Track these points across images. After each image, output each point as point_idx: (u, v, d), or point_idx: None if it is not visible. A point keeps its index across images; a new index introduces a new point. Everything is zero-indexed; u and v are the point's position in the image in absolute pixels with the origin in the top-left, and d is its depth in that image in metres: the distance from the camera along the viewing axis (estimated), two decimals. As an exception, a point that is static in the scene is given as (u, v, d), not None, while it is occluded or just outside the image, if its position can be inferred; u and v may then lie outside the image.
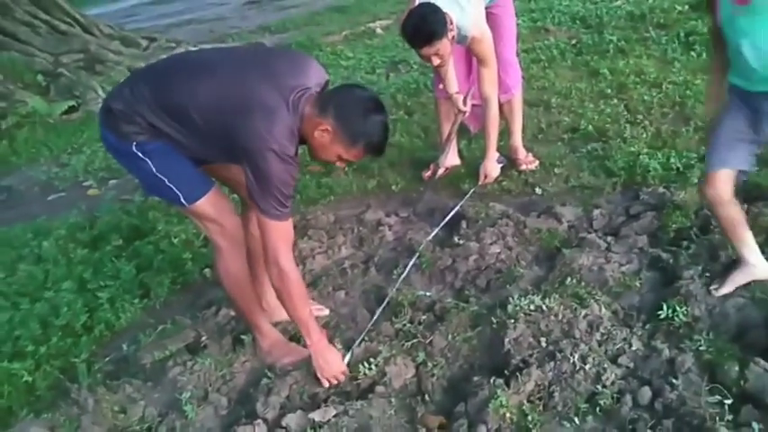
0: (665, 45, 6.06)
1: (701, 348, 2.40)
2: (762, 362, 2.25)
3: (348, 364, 2.66)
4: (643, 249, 3.12)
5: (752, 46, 2.36)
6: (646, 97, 4.94)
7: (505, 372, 2.48)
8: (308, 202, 4.35)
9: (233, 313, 3.16)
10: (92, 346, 3.25)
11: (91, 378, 2.94)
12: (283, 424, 2.40)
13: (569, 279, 2.91)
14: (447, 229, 3.65)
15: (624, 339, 2.51)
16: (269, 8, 14.82)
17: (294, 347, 2.87)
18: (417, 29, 3.48)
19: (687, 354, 2.38)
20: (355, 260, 3.55)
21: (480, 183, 4.05)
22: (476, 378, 2.48)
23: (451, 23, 3.51)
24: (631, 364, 2.41)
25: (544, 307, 2.71)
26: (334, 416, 2.40)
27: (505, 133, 4.38)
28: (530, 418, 2.24)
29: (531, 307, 2.72)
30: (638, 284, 2.88)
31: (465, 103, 4.05)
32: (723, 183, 2.59)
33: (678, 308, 2.59)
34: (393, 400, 2.49)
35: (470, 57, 4.18)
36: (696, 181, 3.55)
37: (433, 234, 3.57)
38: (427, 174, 4.36)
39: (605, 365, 2.38)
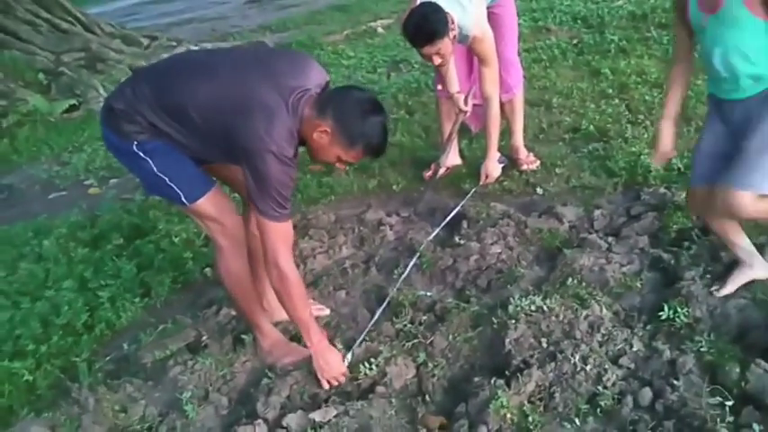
0: (666, 45, 6.05)
1: (702, 349, 2.39)
2: (763, 363, 2.25)
3: (349, 365, 2.65)
4: (644, 250, 3.11)
5: (721, 55, 2.36)
6: (647, 97, 4.94)
7: (506, 372, 2.48)
8: (308, 201, 4.35)
9: (234, 313, 3.16)
10: (92, 346, 3.25)
11: (91, 377, 2.94)
12: (284, 424, 2.40)
13: (570, 279, 2.91)
14: (448, 228, 3.65)
15: (625, 340, 2.51)
16: (270, 7, 14.81)
17: (295, 347, 2.87)
18: (419, 28, 3.48)
19: (688, 355, 2.37)
20: (356, 260, 3.55)
21: (481, 183, 4.05)
22: (476, 378, 2.48)
23: (453, 23, 3.51)
24: (632, 365, 2.41)
25: (545, 307, 2.71)
26: (335, 416, 2.40)
27: (507, 133, 4.38)
28: (530, 418, 2.24)
29: (532, 307, 2.72)
30: (639, 285, 2.87)
31: (466, 102, 4.04)
32: (705, 197, 2.58)
33: (679, 309, 2.59)
34: (394, 400, 2.49)
35: (471, 56, 4.17)
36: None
37: (433, 234, 3.57)
38: (428, 173, 4.35)
39: (606, 366, 2.38)
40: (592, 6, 8.09)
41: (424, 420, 2.39)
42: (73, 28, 10.15)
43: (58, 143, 7.08)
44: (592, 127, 4.59)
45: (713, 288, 2.67)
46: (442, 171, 4.32)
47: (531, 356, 2.51)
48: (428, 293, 3.11)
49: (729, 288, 2.65)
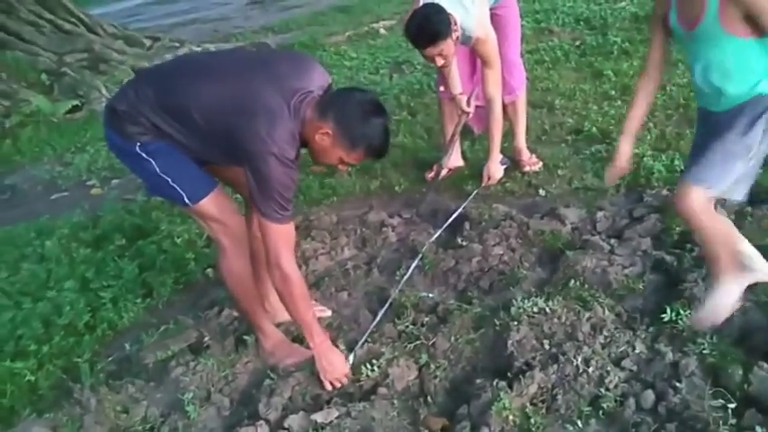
0: (669, 46, 6.03)
1: (704, 352, 2.39)
2: (766, 365, 2.24)
3: (351, 366, 2.65)
4: (647, 252, 3.11)
5: (701, 71, 2.35)
6: (650, 99, 4.92)
7: (508, 374, 2.48)
8: (311, 202, 4.35)
9: (236, 314, 3.16)
10: (94, 346, 3.26)
11: (93, 378, 2.94)
12: (286, 425, 2.40)
13: (572, 281, 2.91)
14: (450, 230, 3.65)
15: (627, 342, 2.50)
16: (272, 8, 14.84)
17: (297, 348, 2.87)
18: (421, 29, 3.48)
19: (691, 357, 2.37)
20: (358, 261, 3.54)
21: (484, 184, 4.05)
22: (478, 380, 2.48)
23: (455, 24, 3.51)
24: (635, 368, 2.40)
25: (547, 309, 2.70)
26: (337, 417, 2.40)
27: (509, 134, 4.37)
28: (532, 420, 2.23)
29: (535, 309, 2.72)
30: (641, 287, 2.87)
31: (468, 103, 4.04)
32: None
33: (682, 311, 2.58)
34: (396, 401, 2.49)
35: (474, 58, 4.17)
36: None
37: (435, 236, 3.57)
38: (430, 175, 4.35)
39: (608, 368, 2.37)
40: (594, 8, 8.09)
41: (426, 422, 2.39)
42: (76, 29, 10.17)
43: (61, 144, 7.10)
44: (594, 129, 4.59)
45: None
46: (444, 172, 4.31)
47: (534, 358, 2.51)
48: (430, 295, 3.11)
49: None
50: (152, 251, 3.88)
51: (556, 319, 2.65)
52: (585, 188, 3.88)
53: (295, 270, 2.52)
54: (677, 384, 2.25)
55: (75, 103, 8.25)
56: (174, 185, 2.51)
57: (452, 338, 2.74)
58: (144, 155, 2.46)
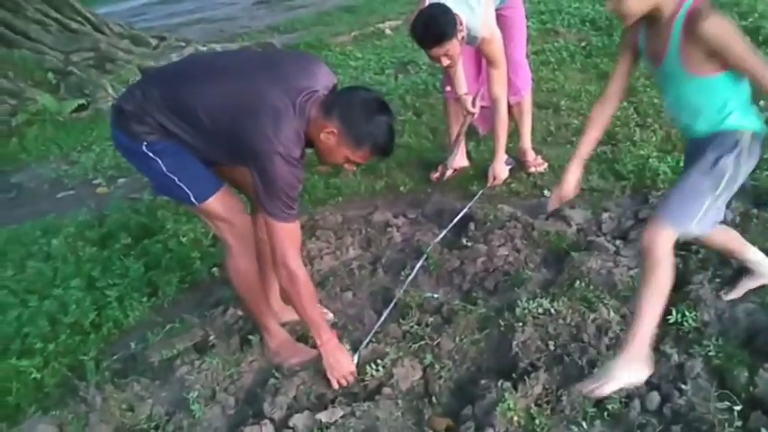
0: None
1: (710, 353, 2.38)
2: (771, 368, 2.24)
3: (355, 366, 2.66)
4: (652, 253, 3.10)
5: (669, 103, 2.33)
6: (655, 100, 4.91)
7: (513, 375, 2.48)
8: (316, 202, 4.36)
9: (241, 313, 3.17)
10: (100, 344, 3.27)
11: (99, 376, 2.95)
12: (290, 424, 2.40)
13: (578, 282, 2.90)
14: (455, 230, 3.64)
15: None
16: (278, 8, 14.85)
17: (302, 348, 2.88)
18: (427, 29, 3.48)
19: (696, 359, 2.36)
20: (363, 261, 3.55)
21: (489, 184, 4.05)
22: (483, 381, 2.48)
23: (461, 24, 3.51)
24: (639, 369, 2.39)
25: (552, 310, 2.70)
26: (342, 417, 2.41)
27: (515, 135, 4.37)
28: (537, 421, 2.23)
29: (540, 310, 2.72)
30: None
31: (474, 104, 4.04)
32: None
33: (687, 312, 2.58)
34: (400, 401, 2.49)
35: (480, 58, 4.17)
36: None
37: (441, 236, 3.57)
38: (435, 175, 4.35)
39: (613, 370, 2.37)
40: (600, 9, 8.06)
41: (431, 422, 2.39)
42: (82, 28, 10.20)
43: (67, 142, 7.12)
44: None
45: (721, 292, 2.66)
46: (449, 173, 4.31)
47: (539, 359, 2.51)
48: (435, 295, 3.11)
49: (738, 292, 2.63)
50: (158, 250, 3.90)
51: (561, 320, 2.65)
52: (591, 189, 3.87)
53: (301, 269, 2.53)
54: (682, 386, 2.25)
55: (82, 101, 8.27)
56: (181, 185, 2.52)
57: (457, 339, 2.74)
58: (151, 154, 2.47)
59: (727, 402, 2.15)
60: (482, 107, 4.18)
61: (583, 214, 3.59)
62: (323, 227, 3.90)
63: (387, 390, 2.53)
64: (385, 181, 4.50)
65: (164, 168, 2.49)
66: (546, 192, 3.94)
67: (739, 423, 2.08)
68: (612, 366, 2.25)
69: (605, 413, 2.23)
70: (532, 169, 4.22)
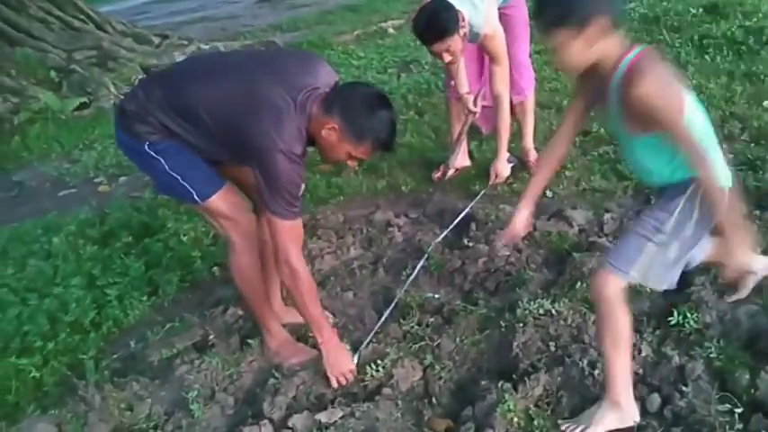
0: (678, 48, 6.02)
1: (711, 355, 2.37)
2: (773, 370, 2.22)
3: (355, 366, 2.65)
4: (654, 254, 3.09)
5: (621, 151, 2.28)
6: (658, 100, 4.90)
7: (513, 376, 2.47)
8: (317, 201, 4.35)
9: (241, 312, 3.16)
10: (100, 343, 3.26)
11: (98, 375, 2.94)
12: (290, 424, 2.40)
13: (579, 283, 2.89)
14: (456, 231, 3.63)
15: (634, 345, 2.47)
16: (281, 6, 14.85)
17: (302, 348, 2.87)
18: (429, 24, 3.48)
19: (697, 361, 2.35)
20: (364, 261, 3.54)
21: (491, 182, 4.04)
22: (483, 382, 2.47)
23: (463, 20, 3.50)
24: (641, 371, 2.38)
25: (553, 311, 2.69)
26: (341, 417, 2.40)
27: (517, 135, 4.36)
28: (536, 423, 2.22)
29: (541, 311, 2.71)
30: (648, 290, 2.85)
31: (475, 103, 4.03)
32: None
33: (689, 314, 2.57)
34: (400, 402, 2.48)
35: (482, 57, 4.16)
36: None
37: (442, 236, 3.56)
38: (437, 175, 4.34)
39: (614, 371, 2.35)
40: (603, 8, 8.05)
41: (431, 423, 2.39)
42: (85, 26, 10.20)
43: (69, 141, 7.11)
44: (602, 130, 4.56)
45: (726, 295, 2.64)
46: (450, 172, 4.30)
47: (539, 360, 2.50)
48: (436, 295, 3.10)
49: (741, 294, 2.62)
50: (158, 249, 3.89)
51: (562, 321, 2.64)
52: (593, 190, 3.86)
53: (303, 266, 2.54)
54: (683, 388, 2.24)
55: (84, 100, 8.27)
56: (184, 183, 2.52)
57: (457, 339, 2.74)
58: (153, 154, 2.48)
59: (728, 405, 2.14)
60: (484, 107, 4.17)
61: (584, 215, 3.58)
62: (324, 226, 3.90)
63: (387, 390, 2.53)
64: (386, 180, 4.49)
65: (166, 167, 2.49)
66: (547, 192, 3.93)
67: (740, 426, 2.07)
68: (596, 412, 2.19)
69: (606, 415, 2.22)
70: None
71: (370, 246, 3.71)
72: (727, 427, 2.06)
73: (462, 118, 4.23)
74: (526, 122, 4.34)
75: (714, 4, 6.87)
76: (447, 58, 3.58)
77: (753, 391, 2.19)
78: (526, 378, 2.38)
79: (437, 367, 2.61)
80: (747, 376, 2.23)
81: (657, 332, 2.58)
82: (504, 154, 4.05)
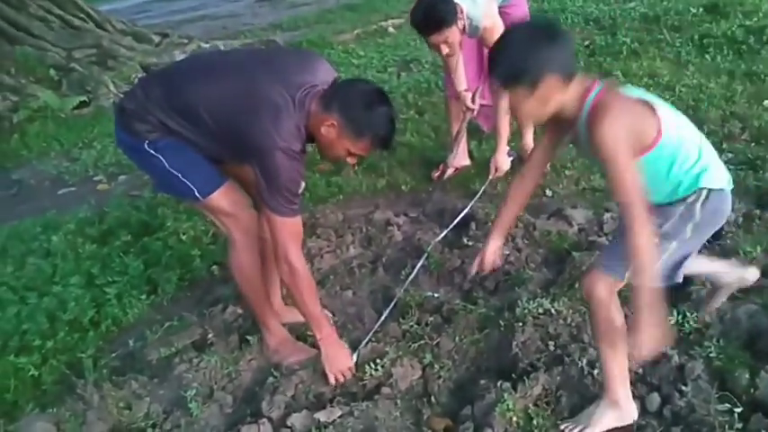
0: (678, 47, 6.02)
1: (711, 355, 2.37)
2: (773, 370, 2.22)
3: (354, 365, 2.65)
4: (654, 254, 3.08)
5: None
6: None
7: (513, 375, 2.46)
8: (317, 200, 4.34)
9: (240, 311, 3.16)
10: (98, 342, 3.26)
11: (97, 373, 2.93)
12: (288, 423, 2.40)
13: (579, 283, 2.88)
14: (456, 230, 3.63)
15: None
16: (281, 5, 14.84)
17: (301, 347, 2.87)
18: (427, 15, 3.48)
19: (697, 360, 2.35)
20: (363, 260, 3.54)
21: (491, 176, 4.01)
22: (483, 381, 2.47)
23: (461, 12, 3.50)
24: (640, 370, 2.37)
25: (553, 310, 2.69)
26: (340, 416, 2.40)
27: (517, 135, 4.35)
28: (536, 422, 2.22)
29: (540, 310, 2.71)
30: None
31: (473, 100, 4.02)
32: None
33: (688, 313, 2.57)
34: (399, 401, 2.48)
35: (482, 56, 4.15)
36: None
37: (442, 235, 3.55)
38: (436, 174, 4.34)
39: (614, 371, 2.35)
40: (604, 8, 8.06)
41: (430, 422, 2.38)
42: (85, 24, 10.19)
43: (68, 139, 7.11)
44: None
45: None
46: (450, 171, 4.30)
47: (538, 359, 2.50)
48: (435, 295, 3.09)
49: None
50: (157, 247, 3.88)
51: (561, 321, 2.64)
52: (593, 189, 3.86)
53: (303, 264, 2.54)
54: (683, 388, 2.23)
55: (83, 98, 8.26)
56: (185, 180, 2.52)
57: (457, 339, 2.73)
58: (153, 152, 2.48)
59: (727, 404, 2.14)
60: (484, 105, 4.16)
61: (584, 214, 3.57)
62: (324, 225, 3.89)
63: (386, 389, 2.53)
64: (386, 179, 4.49)
65: (166, 165, 2.49)
66: (547, 191, 3.93)
67: (740, 425, 2.07)
68: (594, 411, 2.19)
69: (605, 414, 2.22)
70: (534, 168, 4.19)
71: (369, 245, 3.71)
72: (727, 426, 2.06)
73: (462, 117, 4.22)
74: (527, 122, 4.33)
75: (714, 4, 6.88)
76: (445, 50, 3.57)
77: (752, 390, 2.19)
78: (525, 377, 2.38)
79: (436, 366, 2.61)
80: (747, 376, 2.23)
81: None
82: (503, 147, 4.03)
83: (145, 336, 3.18)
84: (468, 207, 3.75)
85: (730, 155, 3.87)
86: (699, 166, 1.98)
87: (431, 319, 2.90)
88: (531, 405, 2.30)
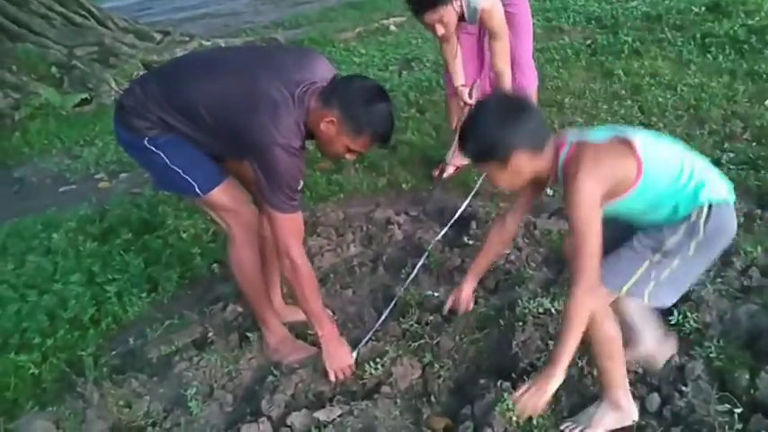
0: (680, 47, 6.01)
1: (711, 355, 2.37)
2: (773, 370, 2.21)
3: (355, 362, 2.65)
4: (654, 253, 3.08)
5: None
6: (660, 99, 4.90)
7: (513, 374, 2.46)
8: (317, 199, 4.34)
9: (240, 309, 3.16)
10: (98, 340, 3.26)
11: (97, 372, 2.93)
12: (288, 422, 2.39)
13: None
14: (456, 229, 3.63)
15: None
16: (283, 3, 14.82)
17: (301, 345, 2.87)
18: None
19: (697, 360, 2.35)
20: (364, 259, 3.53)
21: None
22: (482, 380, 2.46)
23: None
24: (640, 370, 2.38)
25: (553, 310, 2.69)
26: (340, 415, 2.39)
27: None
28: (536, 422, 2.21)
29: (540, 309, 2.71)
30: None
31: (470, 95, 4.02)
32: None
33: (689, 313, 2.56)
34: (399, 400, 2.48)
35: (482, 51, 4.13)
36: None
37: (442, 232, 3.54)
38: (437, 173, 4.33)
39: (614, 371, 2.34)
40: (606, 7, 8.06)
41: (430, 421, 2.38)
42: (86, 22, 10.18)
43: (70, 137, 7.11)
44: (604, 128, 4.56)
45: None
46: (450, 170, 4.29)
47: (538, 359, 2.49)
48: (435, 294, 3.09)
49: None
50: (158, 246, 3.89)
51: (561, 320, 2.63)
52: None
53: (305, 260, 2.54)
54: (683, 388, 2.23)
55: (85, 96, 8.26)
56: (186, 177, 2.52)
57: (457, 338, 2.73)
58: (153, 148, 2.48)
59: (727, 405, 2.13)
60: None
61: (585, 213, 3.56)
62: (324, 224, 3.89)
63: (385, 388, 2.52)
64: (387, 178, 4.49)
65: (167, 161, 2.49)
66: (548, 191, 3.91)
67: (740, 426, 2.07)
68: (595, 412, 2.18)
69: (605, 414, 2.22)
70: (535, 167, 4.19)
71: (369, 243, 3.71)
72: (727, 427, 2.05)
73: (461, 113, 4.22)
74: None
75: (716, 3, 6.87)
76: (440, 30, 3.56)
77: (752, 391, 2.18)
78: (525, 377, 2.37)
79: (436, 366, 2.60)
80: (747, 376, 2.23)
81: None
82: None
83: (145, 334, 3.18)
84: (468, 199, 3.74)
85: (731, 154, 3.86)
86: (694, 183, 1.98)
87: (431, 318, 2.89)
88: (530, 405, 2.30)
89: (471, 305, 2.64)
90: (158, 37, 10.60)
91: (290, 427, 2.39)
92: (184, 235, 3.94)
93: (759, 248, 2.92)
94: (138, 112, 2.45)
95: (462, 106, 4.12)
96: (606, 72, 5.75)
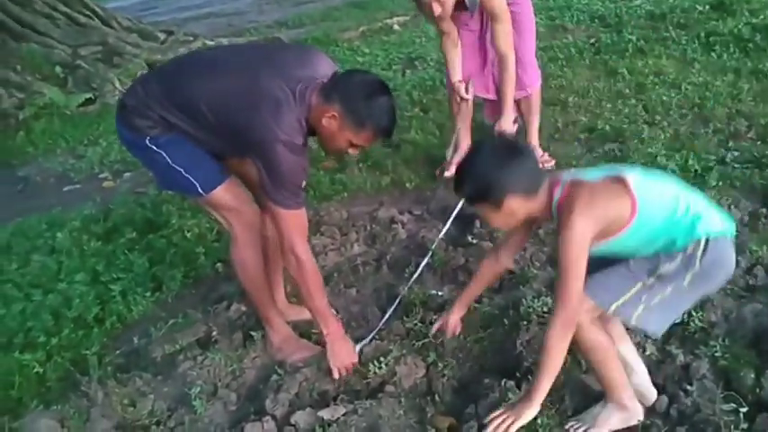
0: (684, 45, 6.00)
1: (716, 354, 2.36)
2: (778, 369, 2.21)
3: (358, 360, 2.65)
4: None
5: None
6: (664, 98, 4.88)
7: (517, 374, 2.46)
8: (321, 198, 4.34)
9: (244, 308, 3.16)
10: (103, 339, 3.26)
11: (101, 371, 2.94)
12: (292, 421, 2.39)
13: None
14: (460, 228, 3.62)
15: (638, 344, 2.47)
16: (287, 3, 14.82)
17: (305, 344, 2.87)
18: None
19: (702, 360, 2.34)
20: (367, 258, 3.53)
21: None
22: (486, 379, 2.46)
23: None
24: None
25: (557, 309, 2.68)
26: (344, 414, 2.39)
27: (522, 133, 4.34)
28: (540, 421, 2.21)
29: (544, 308, 2.70)
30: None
31: (467, 90, 4.01)
32: None
33: (694, 312, 2.55)
34: (403, 399, 2.47)
35: (484, 49, 4.11)
36: (714, 183, 3.51)
37: (445, 229, 3.52)
38: (438, 171, 4.32)
39: (618, 370, 2.34)
40: (610, 5, 8.04)
41: (433, 420, 2.37)
42: (90, 22, 10.19)
43: (74, 136, 7.12)
44: (608, 127, 4.55)
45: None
46: (451, 169, 4.28)
47: (543, 358, 2.49)
48: (439, 293, 3.08)
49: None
50: (162, 245, 3.89)
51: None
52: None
53: (310, 257, 2.54)
54: (688, 387, 2.23)
55: (89, 95, 8.27)
56: (188, 176, 2.52)
57: (461, 337, 2.72)
58: (155, 148, 2.48)
59: (733, 404, 2.13)
60: (488, 100, 4.15)
61: (589, 212, 3.55)
62: (328, 223, 3.89)
63: (389, 387, 2.52)
64: (391, 177, 4.48)
65: (169, 161, 2.50)
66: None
67: (745, 425, 2.06)
68: (601, 412, 2.18)
69: (609, 414, 2.21)
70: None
71: (373, 243, 3.71)
72: (732, 426, 2.05)
73: (465, 114, 4.21)
74: (531, 120, 4.32)
75: (721, 2, 6.86)
76: (437, 9, 3.56)
77: (758, 390, 2.18)
78: (529, 376, 2.37)
79: (440, 365, 2.60)
80: (752, 375, 2.23)
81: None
82: (509, 112, 3.94)
83: (149, 333, 3.18)
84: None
85: (736, 153, 3.86)
86: (690, 217, 1.97)
87: (435, 317, 2.88)
88: (535, 404, 2.29)
89: (458, 330, 2.62)
90: (162, 36, 10.62)
91: (293, 425, 2.38)
92: (188, 234, 3.94)
93: (764, 247, 2.91)
94: (140, 111, 2.45)
95: (458, 102, 4.11)
96: (610, 71, 5.74)
